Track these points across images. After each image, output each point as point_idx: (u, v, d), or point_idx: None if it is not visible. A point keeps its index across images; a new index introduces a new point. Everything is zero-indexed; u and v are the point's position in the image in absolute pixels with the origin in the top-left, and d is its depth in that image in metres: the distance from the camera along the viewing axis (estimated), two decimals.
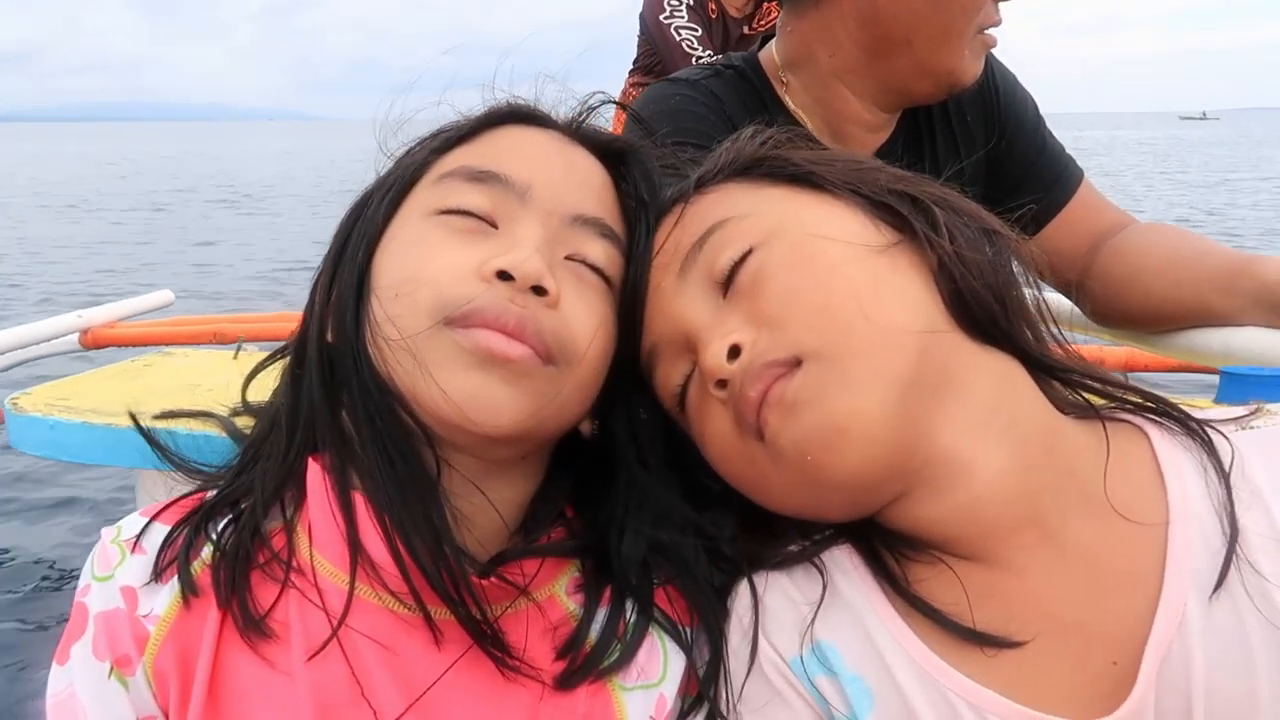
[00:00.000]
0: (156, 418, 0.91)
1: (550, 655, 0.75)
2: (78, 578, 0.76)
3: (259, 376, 0.87)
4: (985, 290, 0.72)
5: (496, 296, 0.69)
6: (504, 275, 0.70)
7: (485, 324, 0.69)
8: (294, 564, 0.74)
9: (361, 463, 0.72)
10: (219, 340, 3.29)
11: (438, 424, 0.71)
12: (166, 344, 3.19)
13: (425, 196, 0.77)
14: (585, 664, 0.75)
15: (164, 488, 0.85)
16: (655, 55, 3.29)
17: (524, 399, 0.70)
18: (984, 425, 0.69)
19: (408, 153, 0.81)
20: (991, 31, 1.32)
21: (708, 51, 3.10)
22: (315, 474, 0.74)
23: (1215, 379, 1.16)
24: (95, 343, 3.32)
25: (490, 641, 0.72)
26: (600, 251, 0.77)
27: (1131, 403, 0.76)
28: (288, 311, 3.68)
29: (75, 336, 3.30)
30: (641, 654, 0.78)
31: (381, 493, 0.71)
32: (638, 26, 3.38)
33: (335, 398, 0.75)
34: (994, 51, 1.42)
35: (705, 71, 1.44)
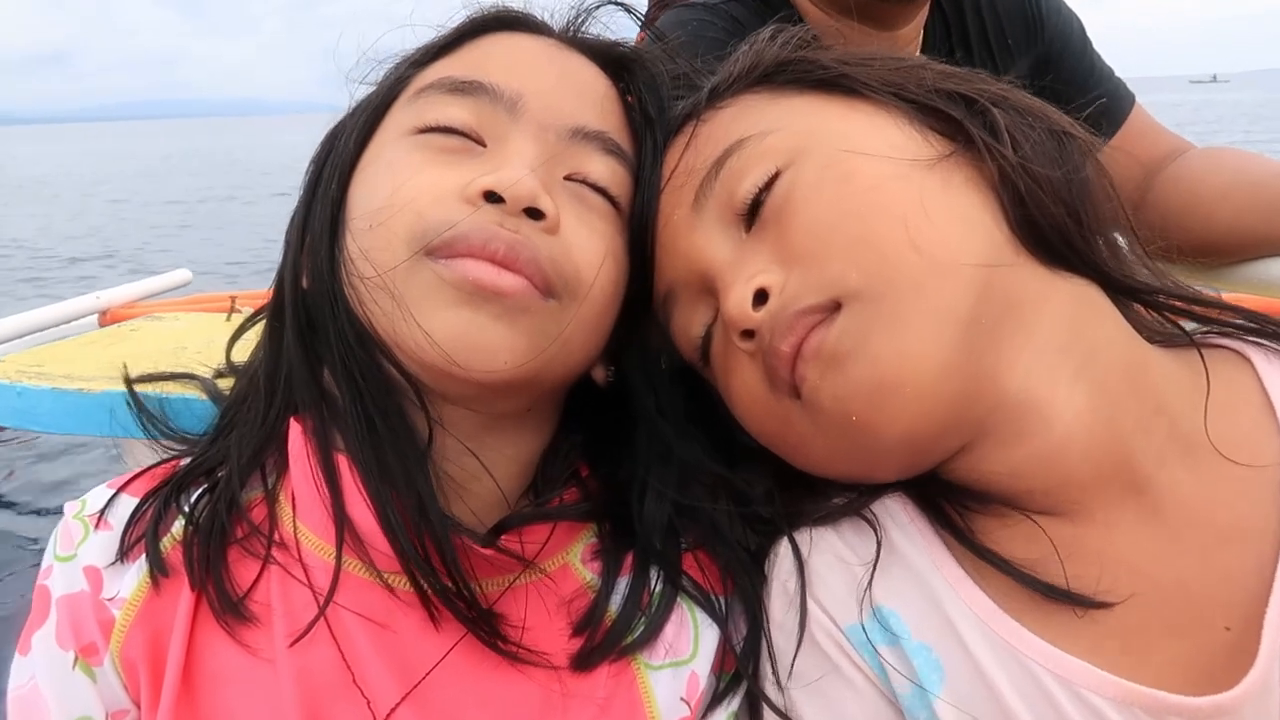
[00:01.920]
0: (134, 381, 0.83)
1: (566, 632, 0.67)
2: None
3: (247, 336, 0.80)
4: (1057, 206, 0.62)
5: (484, 220, 0.60)
6: (492, 196, 0.61)
7: (471, 252, 0.60)
8: (276, 538, 0.66)
9: (343, 422, 0.64)
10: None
11: (424, 372, 0.62)
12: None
13: (402, 115, 0.68)
14: (605, 641, 0.67)
15: (153, 459, 0.78)
16: None
17: (521, 339, 0.61)
18: (1060, 362, 0.60)
19: (386, 74, 0.72)
20: None
21: None
22: (296, 436, 0.66)
23: None
24: (114, 322, 3.29)
25: (483, 625, 0.63)
26: (605, 169, 0.68)
27: (1232, 325, 0.66)
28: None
29: (95, 317, 3.27)
30: (669, 628, 0.69)
31: (361, 455, 0.62)
32: None
33: (314, 351, 0.67)
34: None
35: None
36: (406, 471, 0.62)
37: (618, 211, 0.68)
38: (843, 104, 0.67)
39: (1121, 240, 0.71)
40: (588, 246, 0.65)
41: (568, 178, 0.66)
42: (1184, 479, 0.59)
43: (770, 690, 0.66)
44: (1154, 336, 0.66)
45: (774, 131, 0.65)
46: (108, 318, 3.32)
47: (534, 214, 0.61)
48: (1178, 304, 0.67)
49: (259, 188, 19.02)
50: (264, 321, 0.75)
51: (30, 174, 29.03)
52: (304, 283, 0.68)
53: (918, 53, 1.32)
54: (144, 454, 0.87)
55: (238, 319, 1.05)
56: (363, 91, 0.73)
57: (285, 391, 0.69)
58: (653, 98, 0.73)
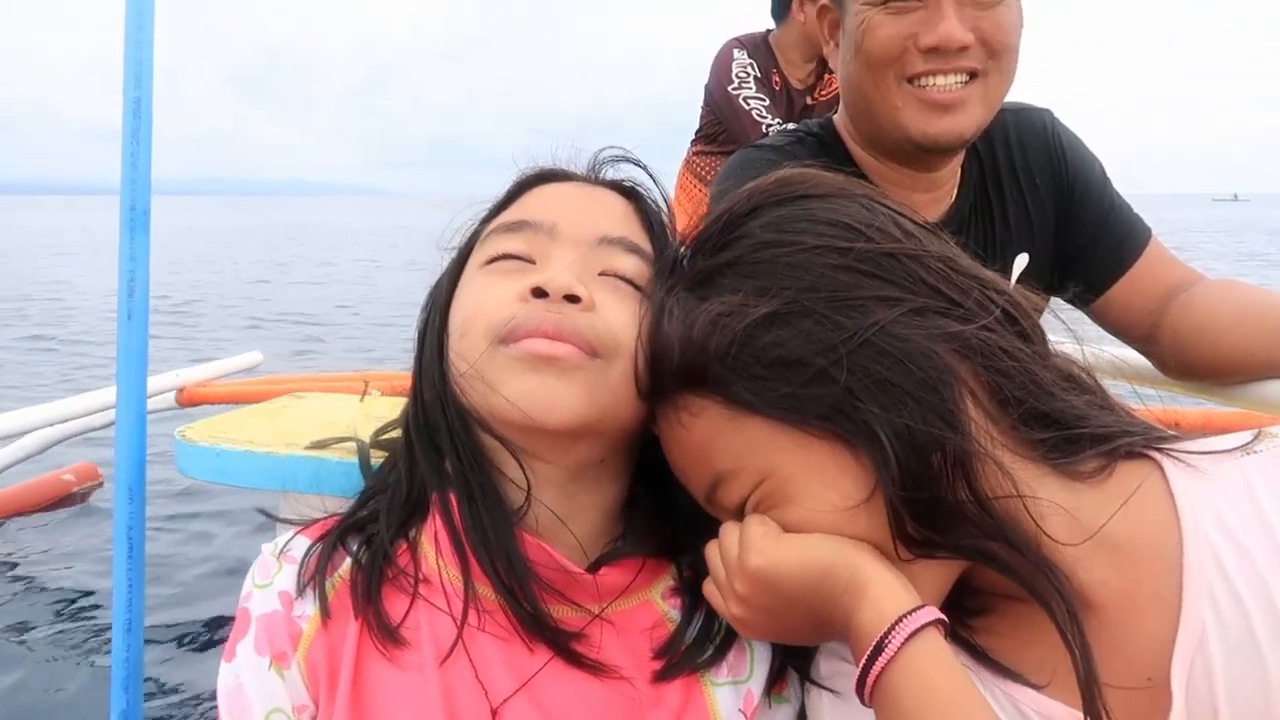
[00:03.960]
0: (309, 446, 1.02)
1: (649, 653, 0.83)
2: (228, 579, 0.86)
3: (380, 414, 0.98)
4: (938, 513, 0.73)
5: (535, 309, 0.80)
6: (539, 292, 0.80)
7: (529, 333, 0.79)
8: (420, 575, 0.83)
9: (456, 493, 0.83)
10: (237, 400, 3.46)
11: (512, 431, 0.81)
12: (256, 402, 3.36)
13: (476, 256, 0.89)
14: (681, 662, 0.83)
15: (299, 509, 0.95)
16: (720, 124, 3.41)
17: (578, 390, 0.79)
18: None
19: (466, 234, 0.94)
20: (936, 85, 1.28)
21: (776, 119, 3.21)
22: (434, 507, 0.85)
23: None
24: (190, 400, 3.50)
25: (564, 647, 0.80)
26: (629, 264, 0.87)
27: (1141, 440, 0.80)
28: (367, 371, 3.87)
29: (173, 394, 3.49)
30: (731, 654, 0.86)
31: (469, 519, 0.81)
32: (702, 98, 3.51)
33: (436, 446, 0.86)
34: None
35: (789, 138, 1.52)
36: (497, 530, 0.81)
37: (644, 295, 0.86)
38: (785, 434, 0.75)
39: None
40: (620, 317, 0.83)
41: (601, 273, 0.86)
42: (1109, 576, 0.75)
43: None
44: (1083, 476, 0.77)
45: (745, 468, 0.77)
46: (185, 395, 3.54)
47: (572, 299, 0.80)
48: (1102, 445, 0.78)
49: (310, 263, 19.92)
50: (403, 407, 0.94)
51: (91, 242, 30.30)
52: (425, 397, 0.88)
53: (955, 190, 1.48)
54: (293, 502, 1.04)
55: (369, 400, 1.23)
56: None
57: (419, 475, 0.88)
58: (654, 212, 0.93)
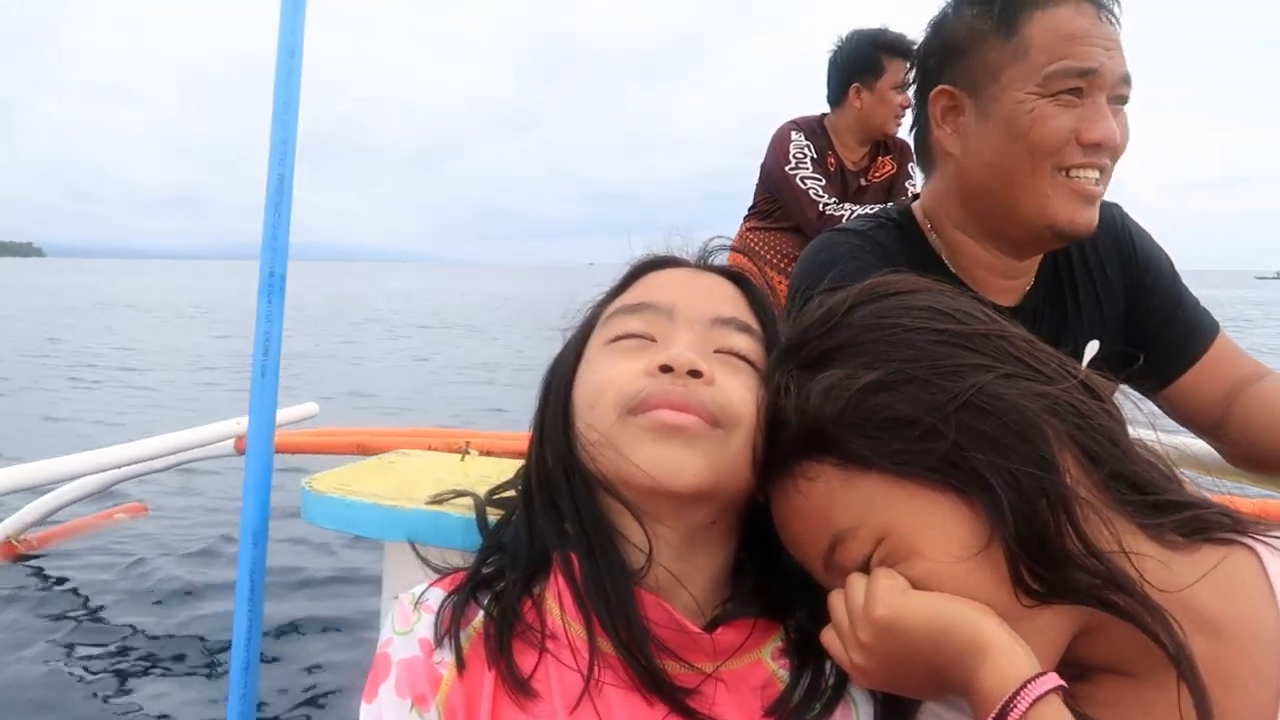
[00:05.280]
0: (429, 501, 1.08)
1: (759, 711, 0.88)
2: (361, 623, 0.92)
3: (486, 474, 1.05)
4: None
5: (662, 383, 0.88)
6: (665, 368, 0.88)
7: (657, 405, 0.87)
8: (547, 630, 0.88)
9: (579, 553, 0.89)
10: (362, 451, 3.53)
11: (638, 495, 0.87)
12: (315, 452, 3.44)
13: (599, 335, 0.97)
14: (790, 718, 0.88)
15: (414, 561, 1.01)
16: (774, 202, 3.49)
17: (701, 458, 0.86)
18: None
19: (582, 321, 1.03)
20: (1086, 178, 1.35)
21: (832, 199, 3.30)
22: (556, 567, 0.91)
23: None
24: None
25: (678, 702, 0.85)
26: (742, 342, 0.95)
27: (1239, 527, 0.86)
28: (426, 427, 3.95)
29: (231, 442, 3.58)
30: (838, 710, 0.90)
31: (589, 579, 0.87)
32: (757, 176, 3.61)
33: (557, 509, 0.93)
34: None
35: (869, 223, 1.57)
36: (617, 589, 0.86)
37: (757, 371, 0.93)
38: (900, 489, 0.80)
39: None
40: (738, 390, 0.90)
41: (716, 350, 0.93)
42: (1206, 651, 0.78)
43: None
44: (1183, 548, 0.83)
45: (863, 524, 0.82)
46: (243, 442, 3.62)
47: (695, 374, 0.88)
48: (1177, 509, 0.84)
49: (373, 326, 20.38)
50: (509, 465, 1.01)
51: (168, 301, 31.23)
52: (548, 462, 0.95)
53: (1033, 278, 1.54)
54: (405, 553, 1.11)
55: (470, 459, 1.30)
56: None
57: (539, 534, 0.94)
58: (761, 295, 1.02)
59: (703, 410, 0.86)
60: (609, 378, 0.91)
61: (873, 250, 1.49)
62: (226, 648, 3.02)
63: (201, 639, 3.22)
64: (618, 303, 0.99)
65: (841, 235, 1.54)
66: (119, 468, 3.43)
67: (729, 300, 0.98)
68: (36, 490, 3.50)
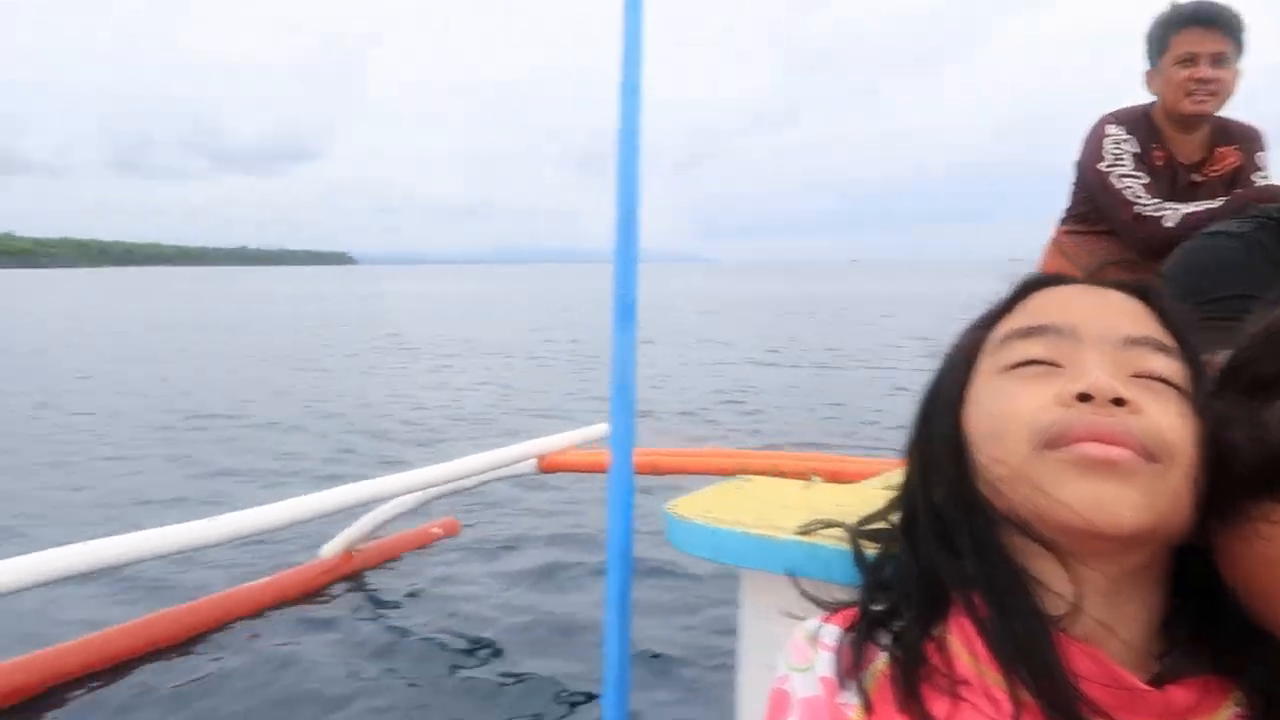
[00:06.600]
0: (799, 531, 1.06)
1: None
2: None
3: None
4: None
5: (1085, 414, 0.77)
6: (1083, 397, 0.77)
7: (1082, 438, 0.76)
8: (956, 675, 0.80)
9: (986, 596, 0.80)
10: (653, 471, 3.61)
11: (1067, 536, 0.77)
12: (601, 472, 3.57)
13: (989, 363, 0.87)
14: None
15: (771, 590, 0.96)
16: (1093, 203, 3.21)
17: (1139, 496, 0.75)
18: None
19: (955, 346, 0.94)
20: None
21: (1155, 200, 2.98)
22: (960, 605, 0.82)
23: None
24: (550, 467, 3.78)
25: None
26: (1161, 364, 0.82)
27: None
28: (719, 448, 3.99)
29: (534, 461, 3.79)
30: None
31: (999, 626, 0.78)
32: (1073, 174, 3.33)
33: (953, 548, 0.84)
34: None
35: (1249, 224, 1.44)
36: (1034, 638, 0.76)
37: (1183, 395, 0.81)
38: None
39: None
40: (1169, 419, 0.77)
41: (1133, 375, 0.80)
42: None
43: None
44: None
45: None
46: (545, 462, 3.81)
47: (1118, 403, 0.76)
48: None
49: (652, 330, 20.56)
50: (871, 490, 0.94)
51: (457, 305, 34.44)
52: (935, 497, 0.86)
53: None
54: (760, 584, 1.07)
55: (812, 487, 1.27)
56: None
57: (934, 573, 0.86)
58: (1175, 308, 0.88)
59: (1134, 442, 0.76)
60: (1013, 409, 0.82)
61: (1261, 254, 1.36)
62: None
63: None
64: (1006, 326, 0.90)
65: (1216, 239, 1.43)
66: (432, 486, 3.71)
67: (1136, 317, 0.87)
68: (366, 505, 3.85)
